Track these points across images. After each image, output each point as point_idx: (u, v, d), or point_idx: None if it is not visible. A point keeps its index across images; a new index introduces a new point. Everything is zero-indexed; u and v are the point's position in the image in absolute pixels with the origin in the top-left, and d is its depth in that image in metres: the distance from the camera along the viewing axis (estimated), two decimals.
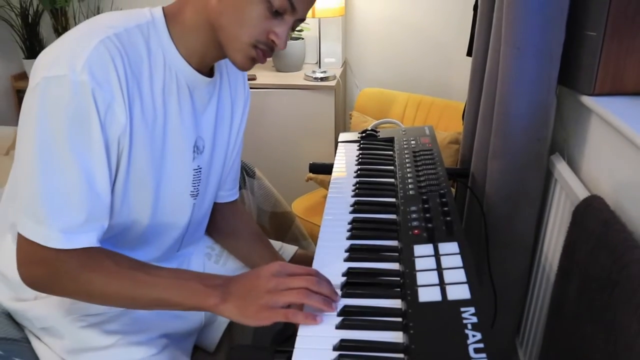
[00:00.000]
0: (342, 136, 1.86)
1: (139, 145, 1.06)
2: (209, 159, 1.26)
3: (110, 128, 1.00)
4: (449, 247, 1.09)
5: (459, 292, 0.96)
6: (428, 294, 0.96)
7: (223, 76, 1.27)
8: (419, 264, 1.05)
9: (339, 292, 1.03)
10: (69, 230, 1.00)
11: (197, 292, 1.02)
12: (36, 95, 0.96)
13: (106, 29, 1.01)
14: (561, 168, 1.48)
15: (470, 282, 0.98)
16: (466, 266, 1.03)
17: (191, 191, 1.23)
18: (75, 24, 3.21)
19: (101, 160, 1.01)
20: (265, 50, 1.10)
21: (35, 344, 1.21)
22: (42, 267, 1.03)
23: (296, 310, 0.97)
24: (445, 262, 1.05)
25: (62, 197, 0.99)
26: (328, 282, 1.03)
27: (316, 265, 1.12)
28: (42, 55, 1.01)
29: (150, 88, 1.07)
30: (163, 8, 1.12)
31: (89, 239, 1.02)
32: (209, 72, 1.19)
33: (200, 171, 1.24)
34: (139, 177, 1.10)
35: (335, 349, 0.89)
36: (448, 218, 1.16)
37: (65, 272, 1.02)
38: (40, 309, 1.18)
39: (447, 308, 0.93)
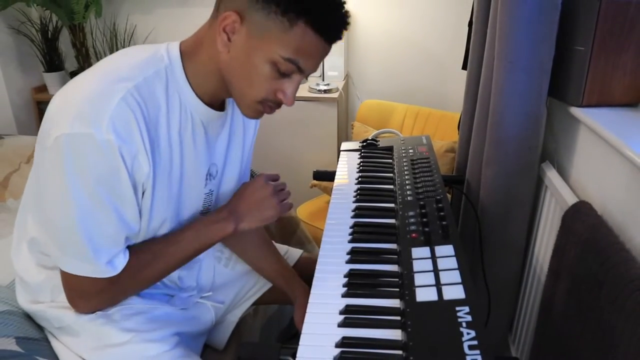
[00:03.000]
0: (344, 145, 1.87)
1: (160, 183, 1.08)
2: (220, 181, 1.27)
3: (136, 175, 1.01)
4: (445, 250, 1.09)
5: (454, 292, 0.96)
6: (425, 294, 0.96)
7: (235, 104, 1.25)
8: (417, 265, 1.06)
9: (341, 290, 1.04)
10: (112, 259, 1.05)
11: (215, 230, 1.18)
12: (60, 151, 0.94)
13: (126, 83, 0.98)
14: (551, 175, 1.48)
15: (465, 282, 0.98)
16: (461, 268, 1.03)
17: (201, 211, 1.25)
18: (92, 39, 3.25)
19: (131, 201, 1.03)
20: (272, 107, 1.08)
21: (54, 343, 1.21)
22: (102, 294, 1.11)
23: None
24: (442, 263, 1.05)
25: (102, 237, 1.02)
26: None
27: (320, 266, 1.12)
28: (60, 105, 0.98)
29: (167, 132, 1.06)
30: (180, 44, 1.09)
31: (124, 257, 1.08)
32: (220, 105, 1.18)
33: (211, 194, 1.25)
34: (159, 208, 1.11)
35: (337, 345, 0.90)
36: (444, 222, 1.16)
37: (123, 286, 1.12)
38: (57, 310, 1.18)
39: (443, 307, 0.93)
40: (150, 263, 1.13)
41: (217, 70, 1.06)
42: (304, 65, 1.02)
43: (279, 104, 1.08)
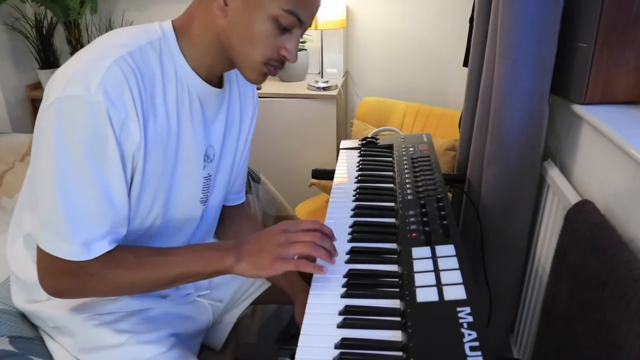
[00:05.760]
0: (344, 143, 1.87)
1: (153, 158, 1.06)
2: (217, 166, 1.26)
3: (125, 144, 1.00)
4: (446, 250, 1.09)
5: (455, 292, 0.96)
6: (426, 295, 0.96)
7: (232, 85, 1.26)
8: (417, 265, 1.05)
9: (340, 290, 1.04)
10: (90, 241, 1.01)
11: (213, 258, 1.08)
12: (51, 115, 0.95)
13: (119, 48, 1.00)
14: (553, 174, 1.48)
15: (466, 283, 0.98)
16: (462, 268, 1.03)
17: (200, 198, 1.23)
18: (88, 36, 3.25)
19: (118, 175, 1.01)
20: (276, 66, 1.09)
21: (49, 342, 1.21)
22: (68, 277, 1.05)
23: (305, 260, 1.05)
24: (442, 264, 1.05)
25: (82, 212, 0.99)
26: (330, 237, 1.11)
27: None
28: (57, 74, 1.00)
29: (164, 103, 1.06)
30: (172, 22, 1.11)
31: (108, 245, 1.04)
32: (218, 82, 1.18)
33: (209, 179, 1.24)
34: (152, 187, 1.10)
35: (336, 346, 0.90)
36: (445, 222, 1.16)
37: (91, 276, 1.05)
38: (52, 310, 1.18)
39: (444, 308, 0.93)
40: (131, 265, 1.06)
41: (213, 40, 1.08)
42: (303, 16, 1.04)
43: (282, 62, 1.10)
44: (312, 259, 1.07)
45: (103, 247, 1.03)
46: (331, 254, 1.08)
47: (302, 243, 1.05)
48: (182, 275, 1.08)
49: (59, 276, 1.05)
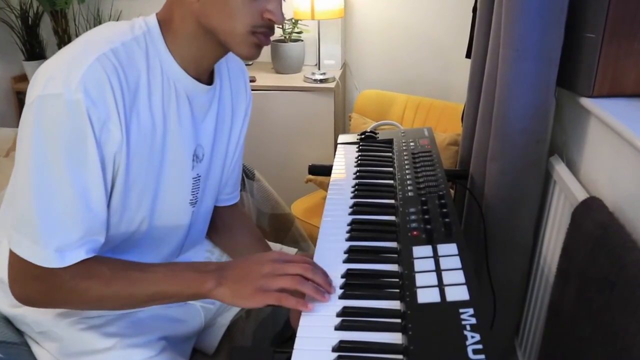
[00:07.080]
0: (342, 138, 1.86)
1: (137, 159, 1.06)
2: (207, 166, 1.26)
3: (105, 145, 0.99)
4: (448, 249, 1.09)
5: (458, 293, 0.96)
6: (427, 295, 0.96)
7: (224, 81, 1.25)
8: (418, 265, 1.05)
9: (338, 291, 1.04)
10: (64, 248, 1.00)
11: (192, 280, 1.05)
12: (32, 113, 0.95)
13: (102, 45, 0.99)
14: (560, 170, 1.48)
15: (469, 283, 0.98)
16: (465, 267, 1.02)
17: (190, 199, 1.23)
18: (75, 26, 3.24)
19: (97, 178, 1.00)
20: (265, 32, 1.08)
21: (35, 348, 1.21)
22: (36, 283, 1.03)
23: (289, 295, 1.00)
24: (444, 263, 1.05)
25: (57, 216, 0.98)
26: (324, 272, 1.06)
27: None
28: (40, 71, 0.99)
29: (148, 101, 1.05)
30: (157, 15, 1.10)
31: (83, 253, 1.03)
32: (208, 79, 1.18)
33: (199, 179, 1.23)
34: (137, 190, 1.09)
35: (334, 350, 0.89)
36: (447, 219, 1.16)
37: (61, 286, 1.03)
38: (38, 314, 1.18)
39: (446, 309, 0.92)
40: (105, 278, 1.04)
41: (194, 28, 1.07)
42: None
43: (270, 27, 1.09)
44: (301, 295, 1.02)
45: (78, 255, 1.02)
46: (323, 289, 1.02)
47: (289, 276, 1.01)
48: (157, 295, 1.06)
49: (28, 282, 1.04)
